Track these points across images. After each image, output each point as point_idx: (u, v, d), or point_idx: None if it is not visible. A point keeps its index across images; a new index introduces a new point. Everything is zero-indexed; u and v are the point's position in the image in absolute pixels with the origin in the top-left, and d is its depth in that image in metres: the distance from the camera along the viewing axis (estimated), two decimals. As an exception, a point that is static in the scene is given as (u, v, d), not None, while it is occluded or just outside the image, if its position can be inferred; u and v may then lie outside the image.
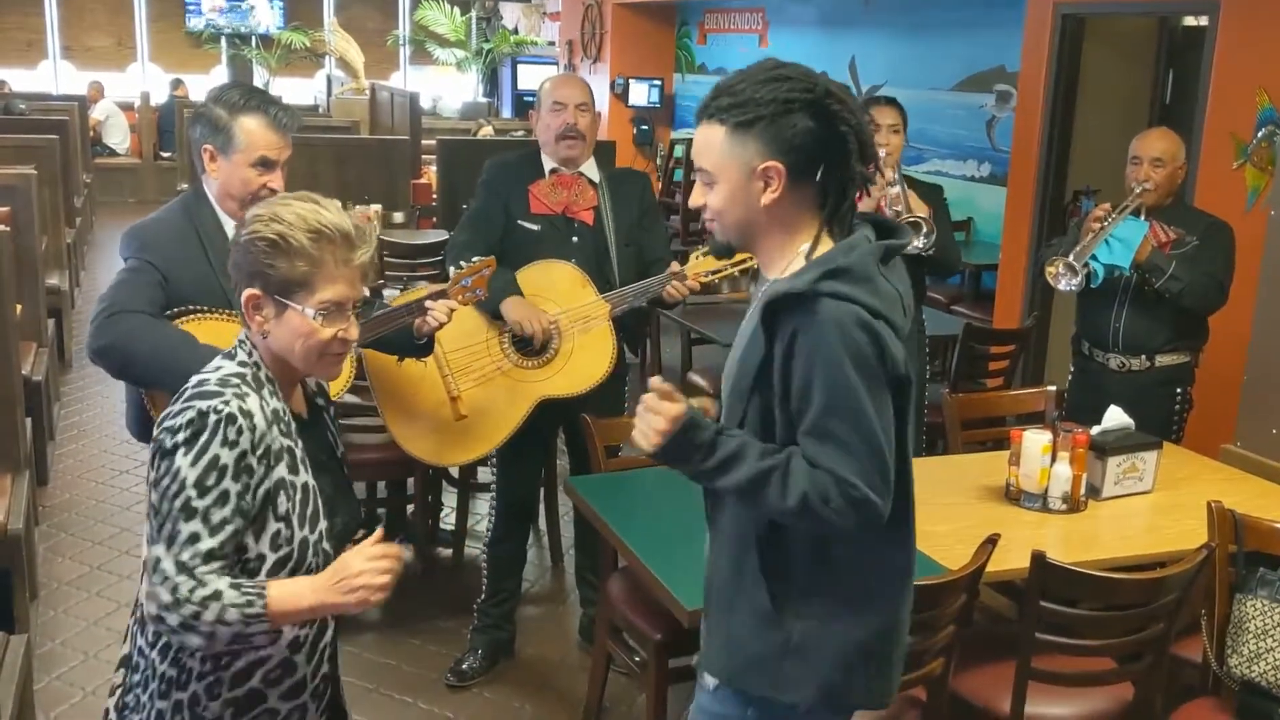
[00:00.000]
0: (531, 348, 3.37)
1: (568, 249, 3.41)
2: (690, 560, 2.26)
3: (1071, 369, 4.12)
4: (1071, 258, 3.70)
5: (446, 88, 15.43)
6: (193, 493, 1.69)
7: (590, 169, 3.47)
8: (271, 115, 2.62)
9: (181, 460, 1.69)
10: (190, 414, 1.71)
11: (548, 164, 3.46)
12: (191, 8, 14.95)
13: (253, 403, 1.75)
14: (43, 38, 14.57)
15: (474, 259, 3.08)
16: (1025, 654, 2.55)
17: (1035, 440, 3.02)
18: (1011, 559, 2.66)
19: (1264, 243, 3.61)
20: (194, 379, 1.79)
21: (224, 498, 1.70)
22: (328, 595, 1.76)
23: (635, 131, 11.15)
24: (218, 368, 1.80)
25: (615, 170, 3.74)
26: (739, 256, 2.78)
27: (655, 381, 1.86)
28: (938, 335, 5.04)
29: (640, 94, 11.13)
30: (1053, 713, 2.67)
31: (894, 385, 1.80)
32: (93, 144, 12.04)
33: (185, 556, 1.69)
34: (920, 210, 3.79)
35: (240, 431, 1.71)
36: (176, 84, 13.68)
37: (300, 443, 1.83)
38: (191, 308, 2.56)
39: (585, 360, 3.37)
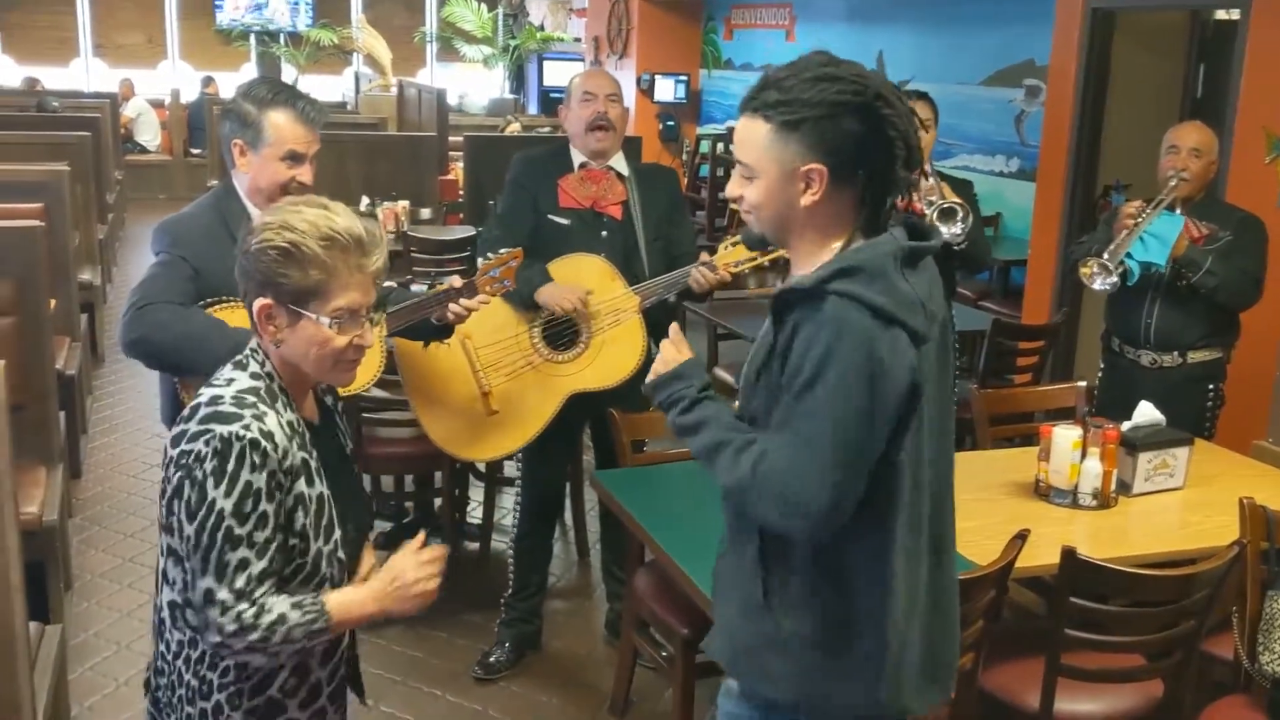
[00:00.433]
0: (562, 341, 3.38)
1: (596, 243, 3.42)
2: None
3: (1101, 365, 4.09)
4: (1105, 257, 3.66)
5: (473, 84, 15.47)
6: (233, 522, 1.69)
7: (619, 163, 3.48)
8: (299, 109, 2.64)
9: (215, 493, 1.68)
10: (213, 442, 1.69)
11: (577, 158, 3.46)
12: (220, 4, 15.05)
13: (272, 421, 1.73)
14: (75, 36, 14.70)
15: (501, 250, 3.09)
16: (1055, 650, 2.54)
17: (1065, 436, 3.00)
18: (1041, 555, 2.64)
19: (1297, 238, 3.57)
20: (206, 393, 1.76)
21: (264, 519, 1.71)
22: (387, 603, 1.83)
23: (661, 127, 11.14)
24: (230, 380, 1.77)
25: (644, 165, 3.74)
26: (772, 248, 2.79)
27: (675, 328, 1.96)
28: (965, 331, 5.00)
29: (666, 90, 11.13)
30: (1082, 709, 2.66)
31: (898, 392, 1.71)
32: (124, 141, 12.15)
33: (240, 584, 1.70)
34: (955, 198, 3.77)
35: (265, 455, 1.70)
36: (208, 81, 13.78)
37: (315, 451, 1.82)
38: (224, 297, 2.58)
39: (616, 353, 3.38)
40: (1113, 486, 3.03)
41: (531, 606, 3.69)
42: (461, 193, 7.25)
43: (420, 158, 7.57)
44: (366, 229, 1.78)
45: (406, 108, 10.91)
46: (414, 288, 4.78)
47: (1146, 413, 3.20)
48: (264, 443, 1.70)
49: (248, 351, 1.82)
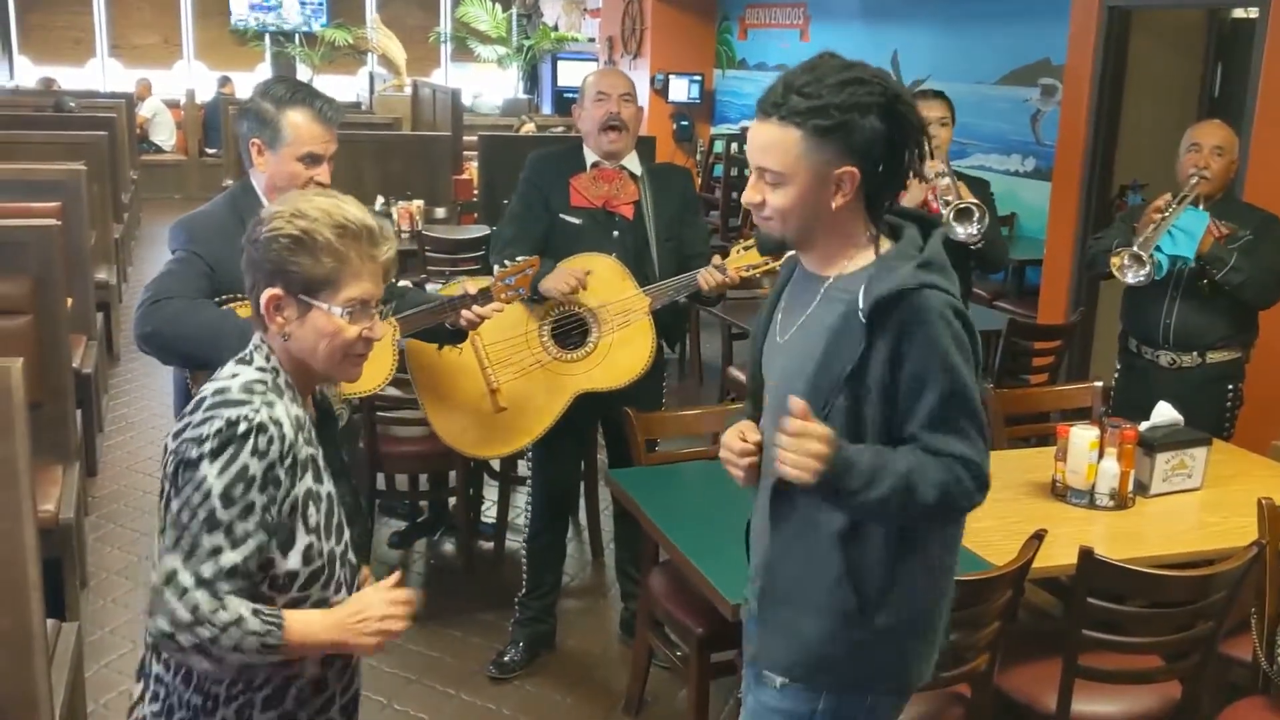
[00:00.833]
0: (571, 340, 3.38)
1: (608, 243, 3.41)
2: (733, 554, 2.25)
3: (1118, 365, 4.07)
4: (1137, 248, 3.65)
5: (488, 85, 15.49)
6: (218, 504, 1.61)
7: (632, 162, 3.47)
8: (317, 109, 2.65)
9: (208, 469, 1.61)
10: (218, 423, 1.63)
11: (589, 157, 3.46)
12: (235, 4, 15.10)
13: (280, 410, 1.68)
14: (91, 36, 14.78)
15: (518, 258, 3.09)
16: (1072, 651, 2.53)
17: (1083, 436, 2.99)
18: (1057, 555, 2.63)
19: (1316, 237, 3.55)
20: (211, 386, 1.70)
21: (249, 510, 1.62)
22: (347, 635, 1.71)
23: (675, 127, 11.13)
24: (235, 374, 1.71)
25: (657, 165, 3.74)
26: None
27: (797, 402, 1.74)
28: (981, 331, 4.98)
29: (680, 90, 11.11)
30: (1099, 710, 2.65)
31: (977, 369, 1.85)
32: (139, 141, 12.20)
33: (207, 572, 1.61)
34: (972, 198, 3.76)
35: (270, 441, 1.64)
36: (224, 81, 13.83)
37: (321, 449, 1.77)
38: (239, 295, 2.59)
39: (624, 354, 3.37)
40: (1130, 487, 3.01)
41: (545, 606, 3.69)
42: (476, 192, 7.26)
43: (435, 157, 7.58)
44: (376, 220, 1.76)
45: (421, 108, 10.92)
46: (429, 287, 4.79)
47: (1165, 413, 3.18)
48: (271, 428, 1.64)
49: (251, 347, 1.76)
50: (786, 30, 10.33)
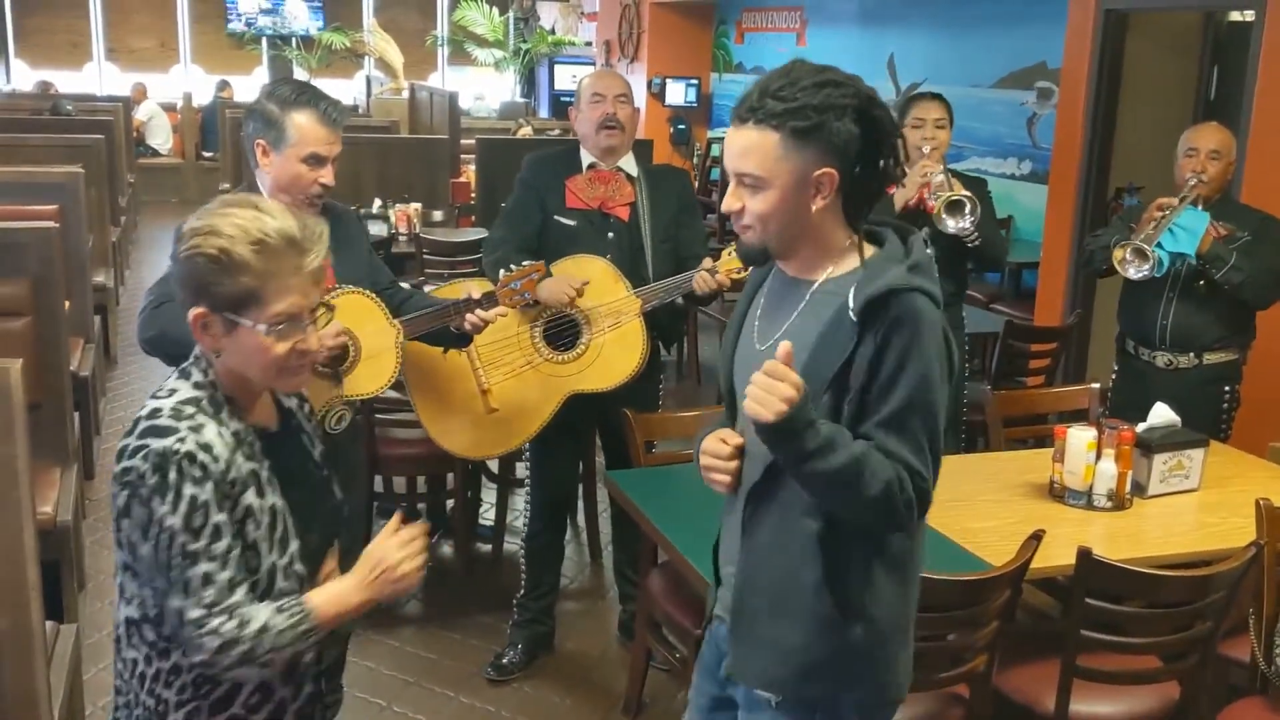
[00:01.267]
0: (563, 342, 3.38)
1: (603, 245, 3.41)
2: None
3: (1115, 367, 4.08)
4: (1140, 242, 3.66)
5: (484, 88, 15.50)
6: (186, 538, 1.62)
7: (629, 164, 3.48)
8: (322, 110, 2.66)
9: (161, 510, 1.62)
10: (150, 457, 1.62)
11: (586, 159, 3.46)
12: (232, 8, 15.10)
13: (210, 433, 1.66)
14: (88, 40, 14.77)
15: (524, 263, 3.09)
16: (1070, 651, 2.53)
17: (1080, 437, 2.99)
18: (1055, 556, 2.63)
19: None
20: (149, 405, 1.69)
21: (218, 531, 1.64)
22: (374, 590, 1.76)
23: (672, 131, 11.14)
24: (172, 391, 1.70)
25: (654, 166, 3.74)
26: None
27: (785, 346, 1.74)
28: (978, 333, 5.01)
29: (677, 93, 11.12)
30: (1097, 711, 2.65)
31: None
32: (136, 144, 12.19)
33: (210, 597, 1.63)
34: (963, 192, 3.76)
35: (205, 468, 1.63)
36: (223, 85, 13.82)
37: (267, 461, 1.75)
38: None
39: (616, 355, 3.38)
40: (1128, 488, 3.02)
41: (544, 607, 3.69)
42: (474, 195, 7.27)
43: (432, 160, 7.59)
44: (303, 225, 1.69)
45: (418, 111, 10.93)
46: (426, 288, 4.78)
47: (1162, 414, 3.19)
48: (201, 455, 1.63)
49: (191, 359, 1.74)
50: (783, 34, 10.34)
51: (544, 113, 14.69)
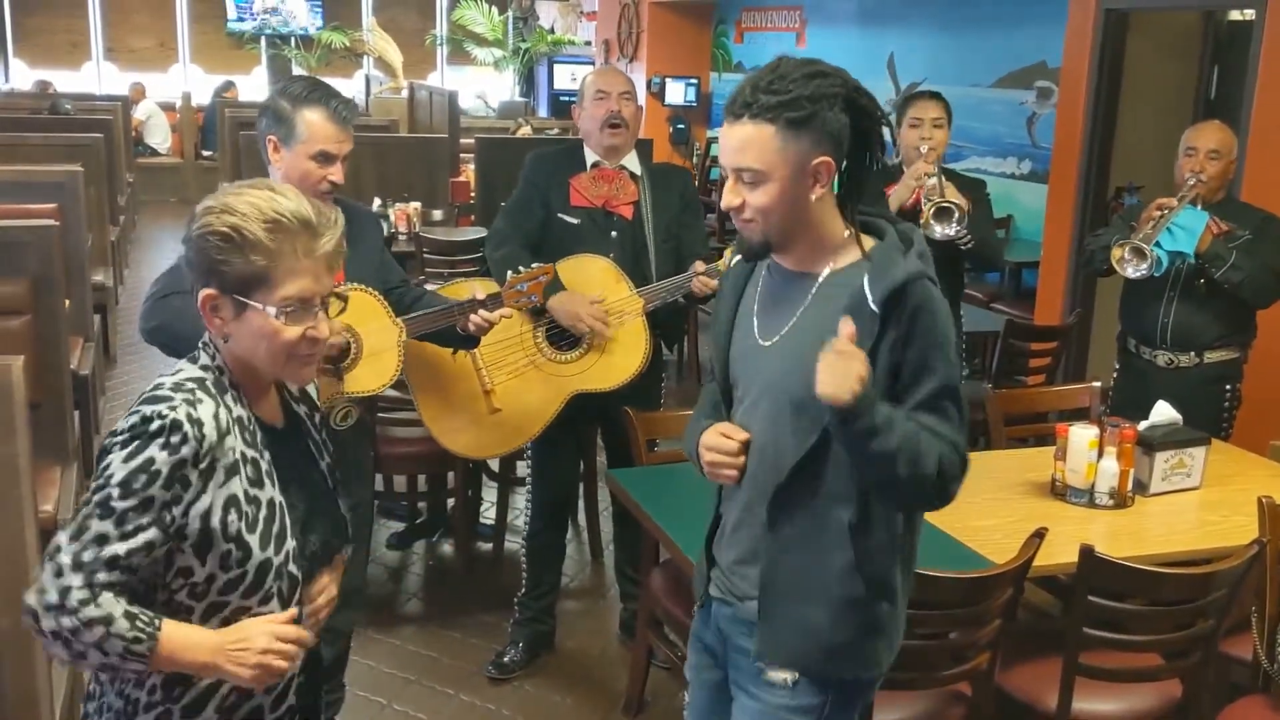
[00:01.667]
0: (565, 341, 3.38)
1: (606, 243, 3.41)
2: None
3: (1116, 366, 4.08)
4: (1139, 241, 3.66)
5: (483, 87, 15.49)
6: (115, 490, 1.55)
7: (632, 162, 3.47)
8: (332, 108, 2.68)
9: (114, 458, 1.57)
10: (134, 418, 1.59)
11: (590, 157, 3.46)
12: (232, 8, 15.09)
13: (204, 410, 1.61)
14: (87, 39, 14.76)
15: (532, 264, 3.08)
16: (1072, 649, 2.53)
17: (1082, 435, 2.99)
18: (1057, 554, 2.64)
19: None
20: (153, 382, 1.67)
21: (147, 504, 1.56)
22: (223, 659, 1.61)
23: (671, 130, 11.15)
24: (177, 370, 1.67)
25: (657, 165, 3.74)
26: None
27: (847, 323, 1.75)
28: (978, 332, 5.01)
29: (677, 93, 11.13)
30: (1099, 709, 2.65)
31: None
32: (134, 144, 12.19)
33: (86, 555, 1.54)
34: (956, 199, 3.76)
35: (184, 440, 1.57)
36: (227, 86, 13.73)
37: (269, 454, 1.70)
38: None
39: (618, 355, 3.37)
40: (1129, 486, 3.02)
41: (545, 606, 3.69)
42: (473, 194, 7.26)
43: (432, 159, 7.58)
44: (318, 210, 1.67)
45: (418, 110, 10.93)
46: (428, 287, 4.78)
47: (1164, 412, 3.19)
48: (186, 426, 1.58)
49: (200, 345, 1.71)
50: (783, 34, 10.34)
51: (543, 112, 14.70)
